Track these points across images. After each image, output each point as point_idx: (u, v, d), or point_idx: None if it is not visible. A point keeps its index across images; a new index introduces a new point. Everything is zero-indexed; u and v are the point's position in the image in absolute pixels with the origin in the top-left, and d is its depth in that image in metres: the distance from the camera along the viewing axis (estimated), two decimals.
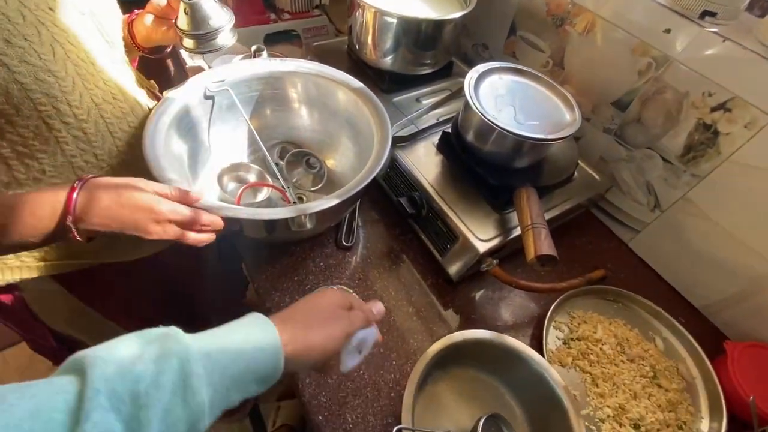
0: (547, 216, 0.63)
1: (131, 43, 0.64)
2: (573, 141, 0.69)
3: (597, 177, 0.72)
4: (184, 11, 0.58)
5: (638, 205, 0.72)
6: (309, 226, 0.52)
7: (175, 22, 0.60)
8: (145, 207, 0.42)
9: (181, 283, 0.80)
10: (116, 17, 0.59)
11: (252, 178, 0.68)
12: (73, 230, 0.41)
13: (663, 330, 0.65)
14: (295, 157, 0.73)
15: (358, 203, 0.73)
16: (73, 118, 0.49)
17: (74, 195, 0.40)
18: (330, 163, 0.76)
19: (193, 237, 0.46)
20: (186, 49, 0.62)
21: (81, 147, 0.51)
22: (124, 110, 0.56)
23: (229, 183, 0.67)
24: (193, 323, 0.33)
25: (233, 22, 0.62)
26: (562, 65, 0.76)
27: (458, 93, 0.83)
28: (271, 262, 0.66)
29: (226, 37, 0.62)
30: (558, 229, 0.69)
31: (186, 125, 0.62)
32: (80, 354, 0.25)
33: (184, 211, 0.44)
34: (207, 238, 0.47)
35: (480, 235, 0.60)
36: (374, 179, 0.74)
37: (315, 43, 0.91)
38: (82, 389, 0.23)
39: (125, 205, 0.42)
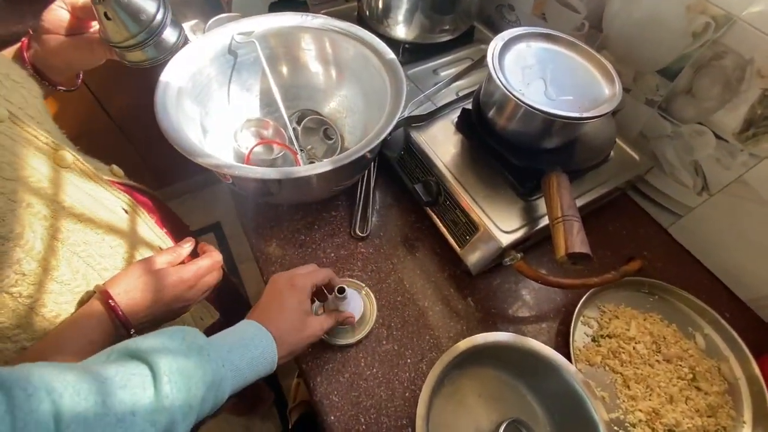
0: (578, 203, 0.57)
1: (39, 82, 0.47)
2: (610, 116, 0.61)
3: (636, 156, 0.64)
4: (105, 16, 0.42)
5: (682, 188, 0.64)
6: None
7: (101, 37, 0.46)
8: (177, 282, 0.44)
9: None
10: (34, 91, 0.45)
11: (269, 134, 0.68)
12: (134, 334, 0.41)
13: (704, 326, 0.59)
14: (314, 124, 0.70)
15: (372, 190, 0.68)
16: (41, 273, 0.37)
17: (120, 312, 0.40)
18: (348, 134, 0.71)
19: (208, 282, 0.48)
20: (132, 64, 0.49)
21: (57, 300, 0.39)
22: (98, 232, 0.44)
23: (246, 138, 0.67)
24: None
25: (167, 3, 0.47)
26: (600, 27, 0.67)
27: (480, 62, 0.75)
28: (281, 253, 0.63)
29: (173, 31, 0.48)
30: (589, 213, 0.63)
31: (197, 85, 0.60)
32: (141, 347, 0.33)
33: (189, 273, 0.45)
34: (217, 275, 0.50)
35: (503, 225, 0.54)
36: (388, 162, 0.70)
37: (323, 11, 0.83)
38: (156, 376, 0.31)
39: (161, 289, 0.43)
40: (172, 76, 0.55)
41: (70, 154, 0.42)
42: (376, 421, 0.50)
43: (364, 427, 0.50)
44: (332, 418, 0.50)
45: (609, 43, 0.66)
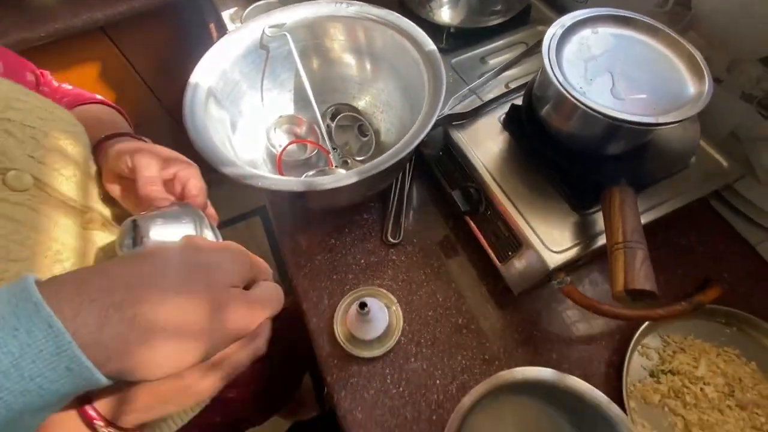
0: (645, 219, 0.49)
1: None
2: (694, 116, 0.51)
3: (723, 162, 0.54)
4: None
5: None
6: None
7: None
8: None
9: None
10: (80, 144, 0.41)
11: (302, 132, 0.66)
12: None
13: None
14: (347, 121, 0.67)
15: (406, 193, 0.64)
16: None
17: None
18: (383, 130, 0.68)
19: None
20: None
21: None
22: None
23: (279, 137, 0.66)
24: None
25: (204, 219, 0.37)
26: (689, 4, 0.55)
27: (535, 48, 0.66)
28: (309, 257, 0.61)
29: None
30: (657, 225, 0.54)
31: (229, 83, 0.58)
32: None
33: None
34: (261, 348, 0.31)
35: (552, 244, 0.48)
36: (425, 160, 0.65)
37: None
38: None
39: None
40: (202, 77, 0.54)
41: (99, 216, 0.41)
42: None
43: None
44: None
45: (699, 23, 0.55)
